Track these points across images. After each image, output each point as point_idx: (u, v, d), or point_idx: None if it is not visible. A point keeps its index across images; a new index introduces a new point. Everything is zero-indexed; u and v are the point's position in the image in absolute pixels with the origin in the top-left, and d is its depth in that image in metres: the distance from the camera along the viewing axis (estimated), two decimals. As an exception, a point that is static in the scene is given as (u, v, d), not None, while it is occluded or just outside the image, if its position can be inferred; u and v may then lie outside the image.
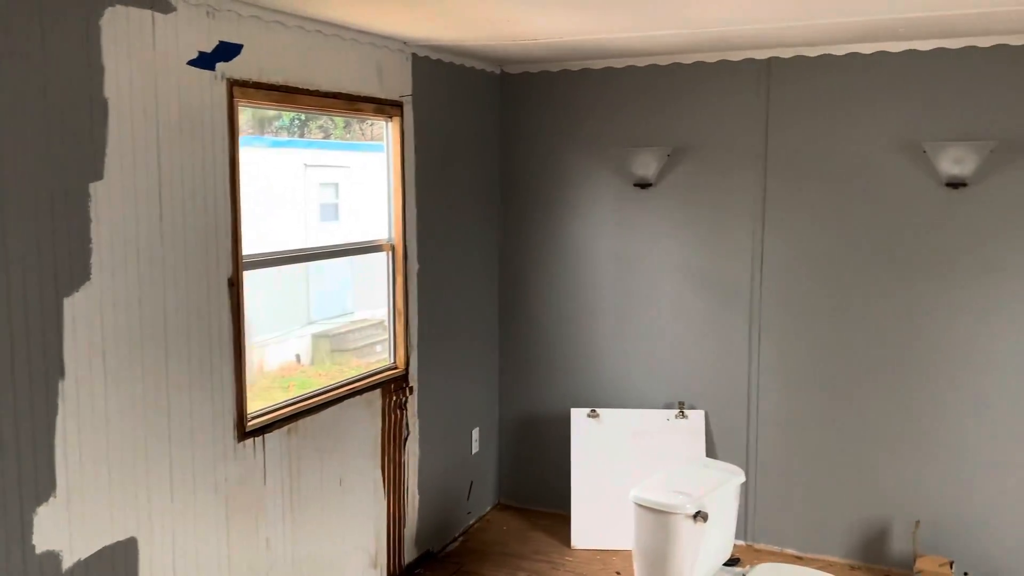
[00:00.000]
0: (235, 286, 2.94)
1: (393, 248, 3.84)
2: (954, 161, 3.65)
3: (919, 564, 3.72)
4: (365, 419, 3.64)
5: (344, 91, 3.42)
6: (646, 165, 4.26)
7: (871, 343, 3.96)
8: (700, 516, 2.94)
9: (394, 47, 3.70)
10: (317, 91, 3.27)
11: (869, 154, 3.88)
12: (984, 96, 3.66)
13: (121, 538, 2.55)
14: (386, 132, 3.78)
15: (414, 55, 3.84)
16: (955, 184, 3.70)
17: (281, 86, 3.09)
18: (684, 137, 4.23)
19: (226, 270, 2.90)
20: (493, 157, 4.60)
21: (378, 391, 3.71)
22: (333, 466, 3.45)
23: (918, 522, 3.87)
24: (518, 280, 4.69)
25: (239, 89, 2.90)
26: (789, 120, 4.01)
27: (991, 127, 3.65)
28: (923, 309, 3.85)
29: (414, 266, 3.93)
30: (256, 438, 3.05)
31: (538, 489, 4.72)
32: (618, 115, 4.35)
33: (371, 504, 3.71)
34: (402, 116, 3.78)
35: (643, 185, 4.32)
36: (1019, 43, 3.57)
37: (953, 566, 3.75)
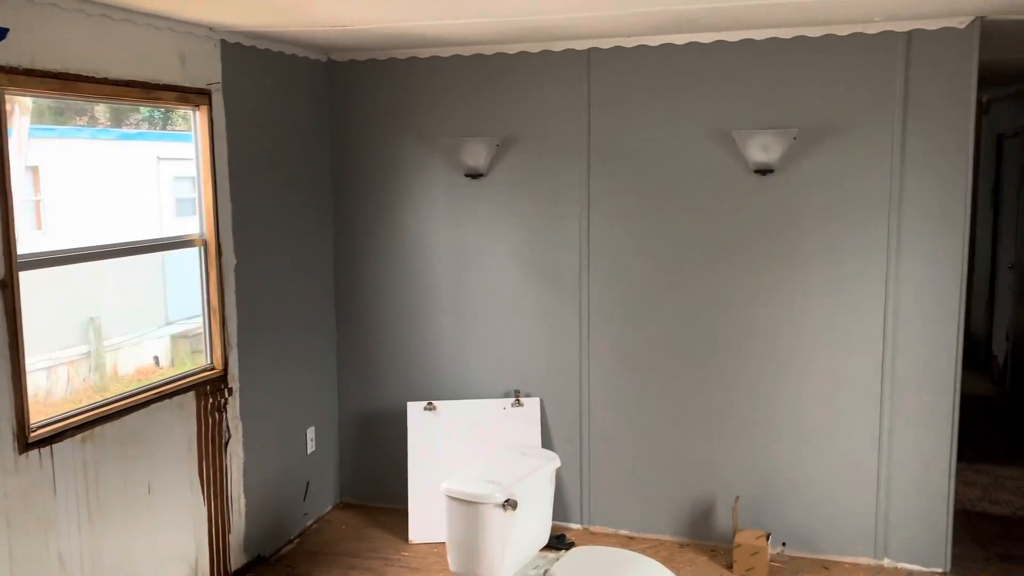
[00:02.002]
0: (9, 288, 2.74)
1: (205, 243, 3.68)
2: (761, 148, 3.79)
3: (738, 538, 3.87)
4: (177, 423, 3.48)
5: (140, 79, 3.25)
6: (476, 155, 4.25)
7: (692, 325, 4.08)
8: (509, 504, 2.94)
9: (199, 33, 3.53)
10: (106, 79, 3.09)
11: (685, 142, 3.99)
12: (787, 85, 3.81)
13: None
14: (193, 121, 3.62)
15: (223, 41, 3.68)
16: (763, 171, 3.84)
17: (60, 73, 2.90)
18: (513, 127, 4.24)
19: (-3, 270, 2.70)
20: (323, 147, 4.48)
21: (191, 394, 3.56)
22: (140, 473, 3.28)
23: (737, 498, 4.02)
24: (353, 274, 4.59)
25: (6, 76, 2.70)
26: (610, 110, 4.08)
27: (795, 115, 3.81)
28: (737, 291, 3.99)
29: (231, 261, 3.78)
30: (41, 449, 2.85)
31: (379, 485, 4.65)
32: (447, 105, 4.32)
33: (188, 511, 3.56)
34: (211, 105, 3.62)
35: (474, 175, 4.31)
36: (817, 35, 3.73)
37: (770, 538, 3.91)
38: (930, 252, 3.72)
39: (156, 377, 3.50)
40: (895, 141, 3.69)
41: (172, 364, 4.48)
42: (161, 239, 3.54)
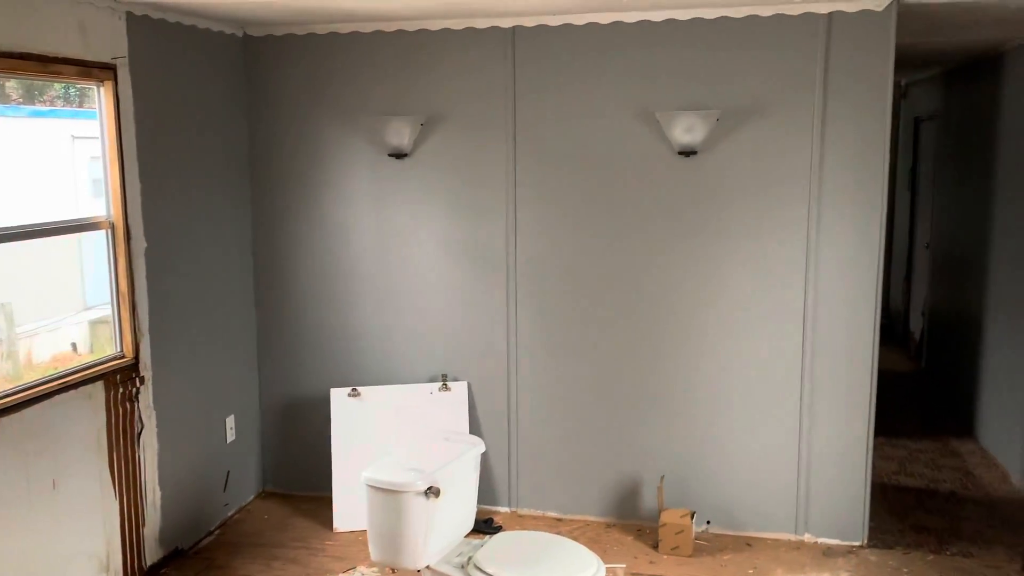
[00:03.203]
0: None
1: (112, 225, 3.51)
2: (685, 130, 3.79)
3: (663, 517, 3.90)
4: (84, 415, 3.32)
5: (36, 51, 3.06)
6: (400, 134, 4.14)
7: (618, 307, 4.07)
8: (432, 492, 2.89)
9: (101, 4, 3.35)
10: (-3, 51, 2.89)
11: (611, 123, 3.96)
12: (711, 66, 3.81)
13: None
14: (97, 97, 3.43)
15: (129, 14, 3.50)
16: (687, 152, 3.84)
17: (-57, 43, 2.70)
18: (437, 106, 4.15)
19: None
20: (239, 126, 4.32)
21: (100, 383, 3.40)
22: (42, 468, 3.12)
23: (663, 477, 4.05)
24: (273, 257, 4.45)
25: None
26: (535, 89, 4.02)
27: (718, 97, 3.81)
28: (662, 272, 4.00)
29: (140, 244, 3.61)
30: (-69, 445, 2.68)
31: (302, 474, 4.55)
32: (370, 82, 4.20)
33: (97, 505, 3.40)
34: (116, 80, 3.44)
35: (398, 155, 4.21)
36: (740, 15, 3.73)
37: (694, 516, 3.95)
38: (849, 231, 3.78)
39: (73, 364, 3.32)
40: (815, 123, 3.73)
41: (92, 350, 4.29)
42: (66, 221, 3.35)
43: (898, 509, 4.34)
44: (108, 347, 4.07)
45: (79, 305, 4.49)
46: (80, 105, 4.17)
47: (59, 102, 4.19)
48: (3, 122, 4.43)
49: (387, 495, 2.89)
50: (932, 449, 5.21)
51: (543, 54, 3.98)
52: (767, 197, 3.83)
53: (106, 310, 4.22)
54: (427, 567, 2.98)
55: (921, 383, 6.62)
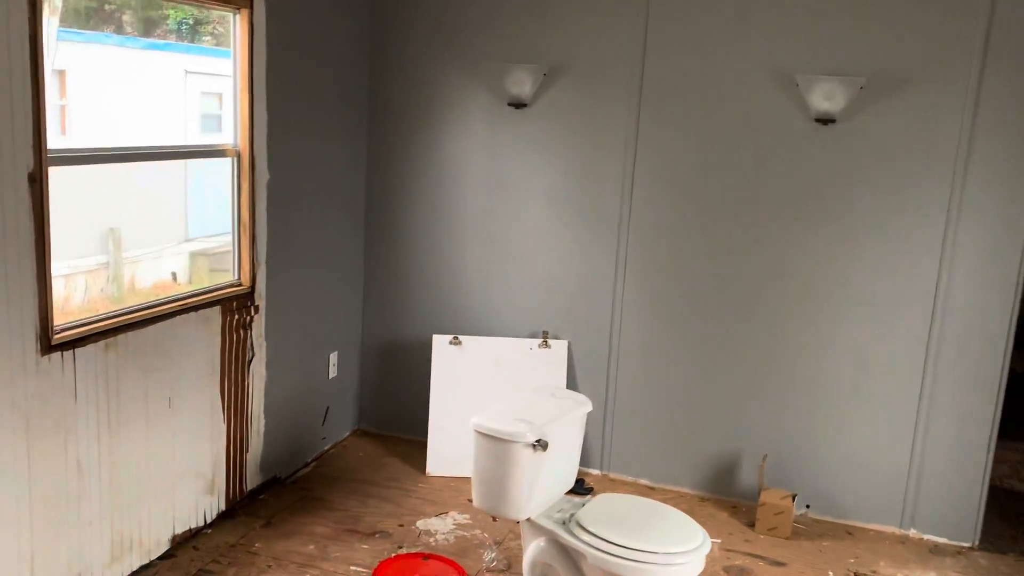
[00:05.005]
0: (38, 183, 2.62)
1: (239, 154, 3.54)
2: (824, 96, 3.60)
3: (763, 497, 3.79)
4: (201, 338, 3.39)
5: (180, -26, 3.08)
6: (521, 83, 4.06)
7: (732, 277, 3.93)
8: (540, 445, 2.85)
9: (244, -70, 3.35)
10: (146, -30, 2.92)
11: (744, 84, 3.79)
12: (858, 30, 3.59)
13: None
14: (232, 25, 3.45)
15: (268, -58, 3.50)
16: (824, 120, 3.65)
17: (98, -41, 2.73)
18: (562, 56, 4.04)
19: (25, 163, 2.58)
20: (361, 66, 4.30)
21: (217, 308, 3.46)
22: (161, 386, 3.20)
23: (765, 456, 3.93)
24: (384, 199, 4.46)
25: (41, -43, 2.54)
26: (667, 44, 3.87)
27: (863, 63, 3.60)
28: (785, 245, 3.83)
29: (263, 175, 3.65)
30: (64, 352, 2.77)
31: (398, 415, 4.59)
32: (495, 29, 4.12)
33: (207, 427, 3.49)
34: (251, 9, 3.45)
35: (517, 105, 4.13)
36: (896, -22, 3.50)
37: (795, 499, 3.83)
38: (993, 220, 3.54)
39: (178, 291, 3.39)
40: (968, 100, 3.48)
41: (190, 281, 4.40)
42: (192, 146, 3.40)
43: (1010, 514, 4.13)
44: (206, 279, 4.17)
45: (180, 236, 4.60)
46: (192, 40, 4.21)
47: (171, 36, 4.25)
48: (123, 52, 4.53)
49: (495, 443, 2.87)
50: (1047, 456, 4.93)
51: (679, 7, 3.82)
52: (906, 174, 3.62)
53: (207, 243, 4.31)
54: (527, 519, 2.95)
55: (1036, 386, 6.25)
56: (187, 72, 4.78)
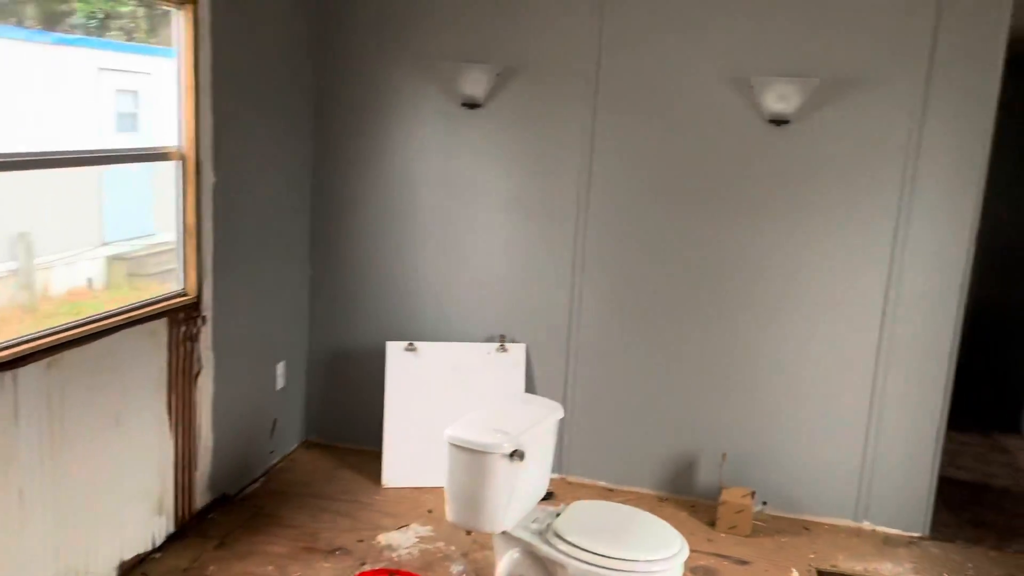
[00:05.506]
0: (-28, 190, 2.41)
1: (184, 157, 3.36)
2: (778, 97, 3.64)
3: (724, 495, 3.81)
4: (147, 351, 3.20)
5: (122, -35, 2.88)
6: (475, 83, 3.98)
7: (689, 277, 3.95)
8: (517, 455, 2.79)
9: (187, -80, 3.16)
10: (85, -39, 2.72)
11: (699, 85, 3.80)
12: (810, 32, 3.65)
13: None
14: (176, 22, 3.26)
15: (212, -66, 3.32)
16: (778, 121, 3.69)
17: (35, -53, 2.53)
18: (517, 56, 3.98)
19: (-41, 170, 2.36)
20: (308, 65, 4.14)
21: (163, 320, 3.27)
22: (108, 403, 3.00)
23: (724, 455, 3.96)
24: (333, 202, 4.31)
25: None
26: (622, 45, 3.85)
27: (816, 64, 3.66)
28: (739, 244, 3.87)
29: (209, 178, 3.46)
30: (5, 373, 2.56)
31: (349, 426, 4.45)
32: (446, 26, 4.03)
33: (156, 445, 3.30)
34: (196, 5, 3.26)
35: (471, 105, 4.05)
36: (846, -18, 3.57)
37: (754, 496, 3.87)
38: (942, 218, 3.64)
39: (130, 300, 3.19)
40: (916, 100, 3.58)
41: (107, 287, 4.17)
42: (136, 149, 3.21)
43: (953, 503, 4.27)
44: (124, 284, 3.94)
45: (96, 240, 4.36)
46: (102, 36, 3.97)
47: (77, 30, 4.00)
48: (29, 47, 4.24)
49: (471, 455, 2.79)
50: (978, 443, 5.14)
51: (634, 8, 3.81)
52: (857, 174, 3.69)
53: (124, 247, 4.07)
54: (503, 532, 2.88)
55: (965, 376, 6.52)
56: (100, 69, 4.52)
